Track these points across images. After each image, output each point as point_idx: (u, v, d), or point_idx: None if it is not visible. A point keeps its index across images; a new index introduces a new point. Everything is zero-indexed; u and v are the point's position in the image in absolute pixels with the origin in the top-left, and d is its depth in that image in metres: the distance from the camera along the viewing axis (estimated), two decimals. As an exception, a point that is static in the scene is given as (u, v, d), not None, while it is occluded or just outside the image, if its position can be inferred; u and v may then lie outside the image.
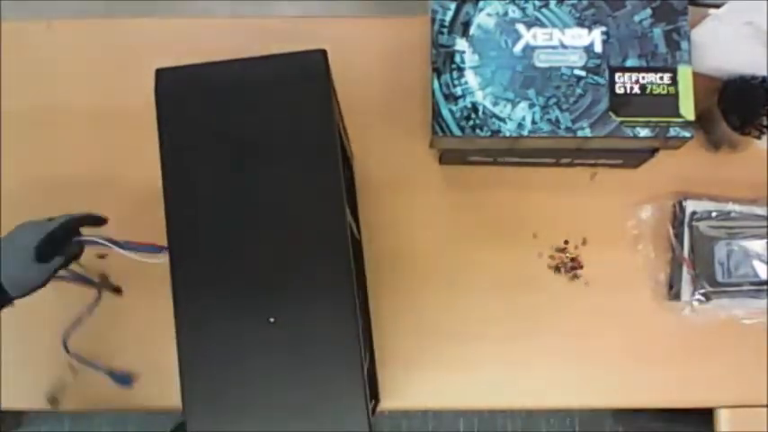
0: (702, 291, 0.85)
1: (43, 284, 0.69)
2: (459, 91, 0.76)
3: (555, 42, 0.76)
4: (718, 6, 0.79)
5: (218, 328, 0.60)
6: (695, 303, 0.85)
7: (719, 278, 0.85)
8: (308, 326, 0.59)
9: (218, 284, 0.60)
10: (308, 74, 0.62)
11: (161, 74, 0.63)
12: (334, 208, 0.60)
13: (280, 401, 0.59)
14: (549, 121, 0.75)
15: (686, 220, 0.86)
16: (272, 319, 0.59)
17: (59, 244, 0.69)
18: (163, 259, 0.62)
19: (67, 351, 0.85)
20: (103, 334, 0.87)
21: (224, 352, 0.59)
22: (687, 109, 0.75)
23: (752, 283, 0.85)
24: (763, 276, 0.85)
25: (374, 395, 0.82)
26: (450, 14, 0.77)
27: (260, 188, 0.61)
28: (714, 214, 0.86)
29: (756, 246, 0.85)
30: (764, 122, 0.84)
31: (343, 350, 0.59)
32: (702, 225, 0.86)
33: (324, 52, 0.62)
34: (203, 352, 0.60)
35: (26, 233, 0.69)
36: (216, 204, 0.61)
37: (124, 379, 0.85)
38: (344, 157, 0.83)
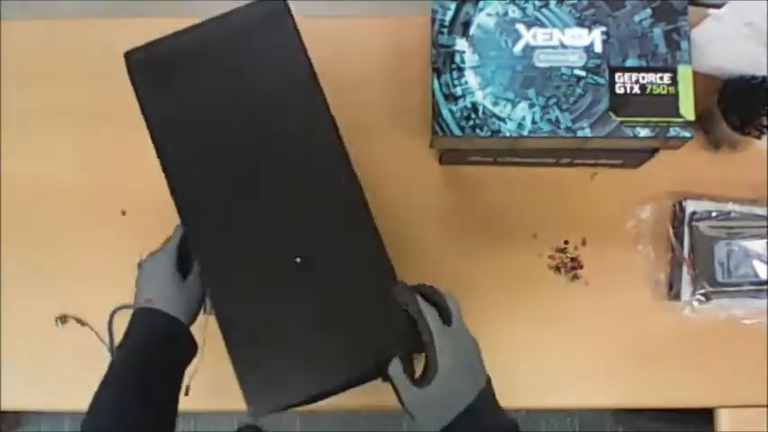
0: (702, 291, 0.85)
1: (203, 297, 0.69)
2: (459, 91, 0.76)
3: (555, 42, 0.76)
4: (718, 6, 0.79)
5: (246, 276, 0.60)
6: (695, 303, 0.85)
7: (720, 278, 0.85)
8: (334, 262, 0.60)
9: (238, 236, 0.60)
10: (270, 19, 0.62)
11: (130, 55, 0.63)
12: (331, 147, 0.61)
13: (316, 339, 0.59)
14: (549, 121, 0.75)
15: (686, 219, 0.86)
16: (297, 259, 0.59)
17: (188, 254, 0.69)
18: None
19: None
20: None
21: (255, 297, 0.59)
22: (687, 109, 0.75)
23: (752, 283, 0.85)
24: (763, 276, 0.85)
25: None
26: (450, 14, 0.77)
27: (257, 142, 0.61)
28: (714, 214, 0.86)
29: (756, 246, 0.85)
30: (764, 122, 0.84)
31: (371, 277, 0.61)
32: (702, 225, 0.86)
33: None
34: (237, 302, 0.59)
35: (155, 264, 0.68)
36: (218, 166, 0.61)
37: None
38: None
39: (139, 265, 0.71)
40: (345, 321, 0.59)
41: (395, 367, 0.59)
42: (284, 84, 0.61)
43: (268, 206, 0.60)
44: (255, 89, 0.61)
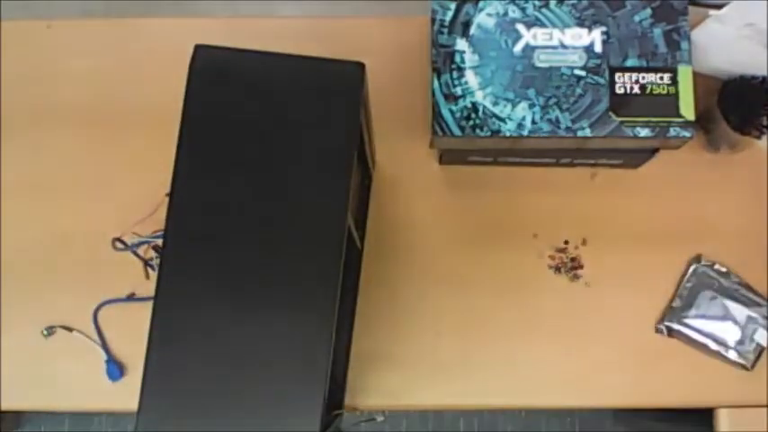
0: (667, 323, 0.86)
1: None
2: (459, 91, 0.76)
3: (555, 42, 0.76)
4: (718, 6, 0.79)
5: (193, 313, 0.59)
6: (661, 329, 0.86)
7: (688, 319, 0.85)
8: (279, 327, 0.58)
9: (203, 270, 0.59)
10: (340, 84, 0.62)
11: (199, 50, 0.63)
12: (335, 221, 0.60)
13: (236, 396, 0.58)
14: (549, 121, 0.75)
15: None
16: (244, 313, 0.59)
17: None
18: None
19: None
20: (125, 323, 0.87)
21: (193, 338, 0.58)
22: (687, 109, 0.75)
23: (715, 340, 0.85)
24: (726, 338, 0.85)
25: (337, 405, 0.82)
26: (450, 14, 0.77)
27: (267, 184, 0.60)
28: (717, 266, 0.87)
29: (737, 311, 0.85)
30: (764, 122, 0.84)
31: (308, 363, 0.58)
32: (706, 269, 0.87)
33: (362, 66, 0.63)
34: (174, 335, 0.59)
35: None
36: (220, 190, 0.61)
37: (114, 371, 0.85)
38: (365, 169, 0.83)
39: None
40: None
41: None
42: (325, 148, 0.61)
43: (244, 255, 0.60)
44: (293, 140, 0.61)
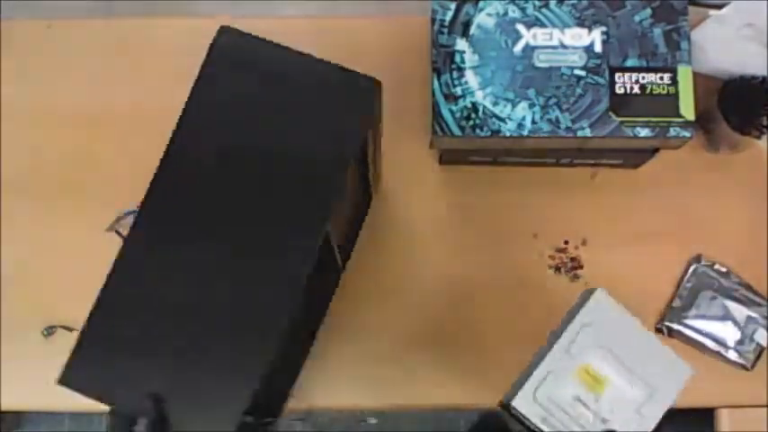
0: (667, 323, 0.85)
1: None
2: (459, 91, 0.76)
3: (555, 42, 0.76)
4: (718, 7, 0.79)
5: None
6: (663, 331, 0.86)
7: (688, 320, 0.85)
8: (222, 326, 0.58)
9: (170, 246, 0.60)
10: (353, 98, 0.62)
11: (224, 31, 0.63)
12: (308, 237, 0.59)
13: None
14: (549, 121, 0.75)
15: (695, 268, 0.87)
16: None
17: None
18: None
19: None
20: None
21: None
22: (687, 109, 0.75)
23: (714, 340, 0.85)
24: (726, 338, 0.85)
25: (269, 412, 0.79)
26: (450, 14, 0.77)
27: (252, 179, 0.60)
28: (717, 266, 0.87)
29: (737, 311, 0.85)
30: (764, 122, 0.84)
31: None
32: (706, 269, 0.87)
33: (378, 84, 0.62)
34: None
35: None
36: (206, 177, 0.60)
37: None
38: (363, 189, 0.83)
39: None
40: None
41: None
42: (319, 155, 0.61)
43: (212, 246, 0.59)
44: (291, 143, 0.61)
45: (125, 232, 0.62)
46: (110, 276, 0.60)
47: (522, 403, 0.66)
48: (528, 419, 0.65)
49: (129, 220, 0.71)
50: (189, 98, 0.62)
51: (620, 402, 0.67)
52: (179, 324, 0.58)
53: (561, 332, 0.69)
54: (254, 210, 0.60)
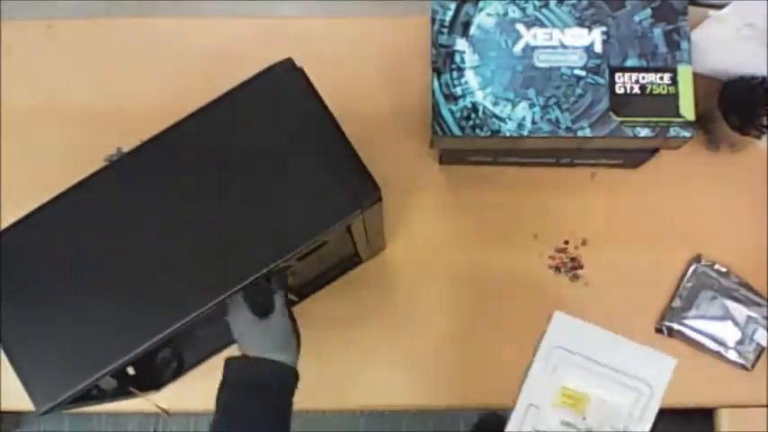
0: (667, 323, 0.86)
1: (295, 329, 0.67)
2: (459, 91, 0.76)
3: (555, 42, 0.76)
4: (718, 7, 0.79)
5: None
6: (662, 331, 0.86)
7: (688, 320, 0.85)
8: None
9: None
10: (351, 194, 0.61)
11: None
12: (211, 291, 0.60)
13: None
14: (549, 121, 0.75)
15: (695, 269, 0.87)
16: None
17: (263, 290, 0.66)
18: None
19: None
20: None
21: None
22: (687, 109, 0.75)
23: (714, 340, 0.85)
24: (726, 338, 0.85)
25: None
26: (450, 14, 0.77)
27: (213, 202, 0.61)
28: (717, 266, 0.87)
29: (737, 311, 0.85)
30: (764, 122, 0.84)
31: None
32: (706, 269, 0.86)
33: (379, 198, 0.63)
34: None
35: (234, 322, 0.65)
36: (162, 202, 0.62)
37: None
38: (347, 257, 0.83)
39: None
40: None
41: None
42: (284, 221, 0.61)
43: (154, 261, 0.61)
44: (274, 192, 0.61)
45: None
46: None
47: None
48: None
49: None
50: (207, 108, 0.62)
51: (609, 413, 0.67)
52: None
53: (531, 363, 0.68)
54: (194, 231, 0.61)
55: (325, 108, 0.62)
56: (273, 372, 0.63)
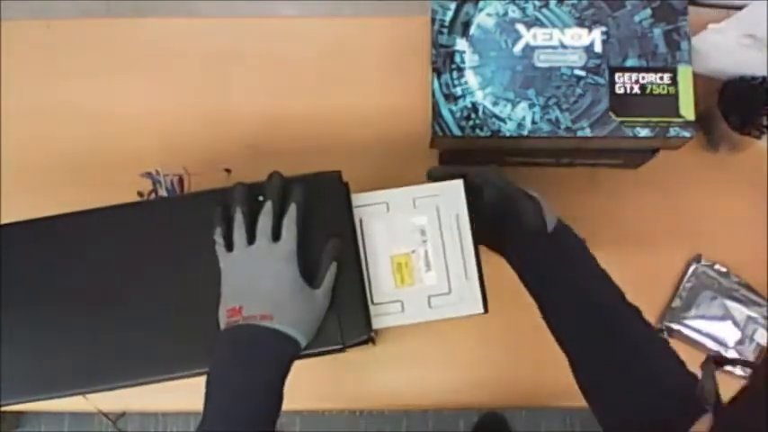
0: (667, 324, 0.86)
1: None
2: (459, 91, 0.76)
3: (555, 42, 0.76)
4: (718, 7, 0.79)
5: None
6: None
7: (688, 320, 0.85)
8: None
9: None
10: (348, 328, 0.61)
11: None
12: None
13: None
14: (549, 121, 0.75)
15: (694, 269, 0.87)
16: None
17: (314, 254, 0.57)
18: None
19: None
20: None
21: None
22: (687, 109, 0.75)
23: (714, 339, 0.85)
24: (726, 338, 0.85)
25: None
26: (450, 14, 0.77)
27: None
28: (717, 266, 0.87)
29: (737, 311, 0.85)
30: (764, 122, 0.84)
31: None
32: (706, 269, 0.87)
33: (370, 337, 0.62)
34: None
35: (269, 264, 0.55)
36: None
37: None
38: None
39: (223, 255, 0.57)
40: None
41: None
42: None
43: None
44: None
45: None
46: None
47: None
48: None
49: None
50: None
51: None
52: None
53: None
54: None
55: (354, 231, 0.63)
56: (289, 353, 0.53)
